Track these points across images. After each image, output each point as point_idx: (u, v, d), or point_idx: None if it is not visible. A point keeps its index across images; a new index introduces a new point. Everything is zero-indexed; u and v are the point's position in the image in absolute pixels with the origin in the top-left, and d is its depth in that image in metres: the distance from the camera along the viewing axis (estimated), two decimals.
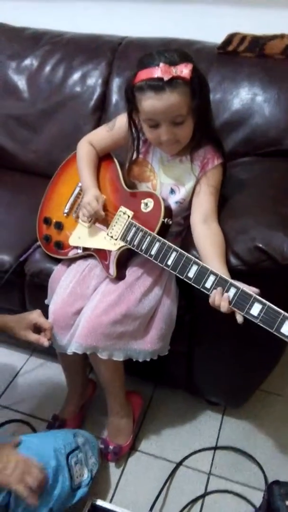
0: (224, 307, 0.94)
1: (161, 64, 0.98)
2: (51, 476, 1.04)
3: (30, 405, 1.47)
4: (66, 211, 1.30)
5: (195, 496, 1.25)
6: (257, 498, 1.24)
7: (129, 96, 1.08)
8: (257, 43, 1.47)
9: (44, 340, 1.13)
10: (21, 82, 1.71)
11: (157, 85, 1.00)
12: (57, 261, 1.32)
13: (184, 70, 0.99)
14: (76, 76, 1.66)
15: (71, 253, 1.27)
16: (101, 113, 1.65)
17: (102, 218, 1.20)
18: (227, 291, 0.95)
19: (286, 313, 0.90)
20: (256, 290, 0.94)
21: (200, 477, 1.30)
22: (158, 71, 0.99)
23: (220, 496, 1.25)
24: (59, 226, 1.30)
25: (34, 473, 0.99)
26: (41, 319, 1.15)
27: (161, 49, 1.04)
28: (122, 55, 1.63)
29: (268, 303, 0.92)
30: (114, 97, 1.62)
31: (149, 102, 1.02)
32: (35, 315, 1.16)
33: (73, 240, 1.26)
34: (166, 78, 0.98)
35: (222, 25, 1.52)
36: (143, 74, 1.01)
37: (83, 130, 1.58)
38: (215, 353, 1.29)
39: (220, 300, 0.95)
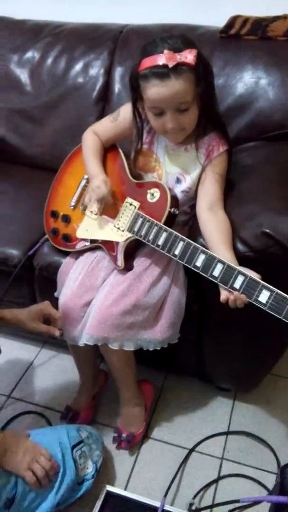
0: (240, 304, 0.96)
1: (166, 51, 0.98)
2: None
3: (43, 396, 1.49)
4: (73, 204, 1.30)
5: (208, 480, 1.27)
6: (270, 481, 1.26)
7: (134, 85, 1.07)
8: (260, 25, 1.45)
9: (55, 330, 1.15)
10: (23, 75, 1.71)
11: (162, 72, 0.99)
12: (65, 254, 1.32)
13: (189, 56, 0.98)
14: (78, 67, 1.66)
15: (79, 246, 1.28)
16: (104, 103, 1.64)
17: (109, 206, 1.20)
18: (235, 279, 0.96)
19: None
20: (258, 275, 0.95)
21: (213, 462, 1.32)
22: (163, 58, 0.98)
23: (234, 480, 1.27)
24: (66, 219, 1.31)
25: (42, 462, 1.03)
26: (50, 309, 1.17)
27: (165, 35, 1.03)
28: (124, 44, 1.61)
29: (276, 290, 0.92)
30: (117, 86, 1.62)
31: (154, 90, 1.02)
32: (44, 306, 1.17)
33: (80, 233, 1.27)
34: (171, 65, 0.98)
35: (223, 8, 1.51)
36: (147, 62, 1.00)
37: (87, 121, 1.58)
38: (225, 340, 1.29)
39: (233, 298, 0.96)
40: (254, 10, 1.47)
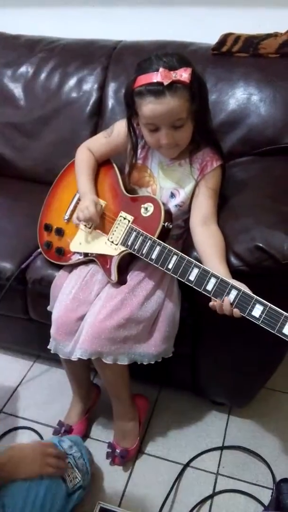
0: (227, 311, 0.95)
1: (161, 69, 0.99)
2: (44, 489, 1.06)
3: (36, 411, 1.48)
4: (66, 217, 1.31)
5: (203, 496, 1.25)
6: (266, 496, 1.25)
7: (129, 101, 1.08)
8: (251, 43, 1.48)
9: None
10: (17, 90, 1.72)
11: (157, 90, 1.00)
12: (59, 267, 1.32)
13: (184, 74, 1.00)
14: (71, 82, 1.67)
15: (72, 259, 1.28)
16: (97, 118, 1.66)
17: (97, 224, 1.21)
18: (228, 293, 0.96)
19: (287, 314, 0.90)
20: (245, 286, 0.96)
21: (208, 477, 1.31)
22: (158, 76, 0.99)
23: (229, 496, 1.26)
24: (60, 232, 1.31)
25: (52, 452, 1.07)
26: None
27: (159, 53, 1.05)
28: (117, 60, 1.63)
29: (269, 304, 0.92)
30: (110, 101, 1.63)
31: (150, 107, 1.03)
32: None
33: (74, 246, 1.27)
34: (166, 82, 0.99)
35: (215, 26, 1.53)
36: (143, 79, 1.02)
37: (81, 135, 1.59)
38: (219, 354, 1.29)
39: (222, 308, 0.96)
40: (246, 28, 1.49)
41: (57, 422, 1.39)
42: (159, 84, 1.00)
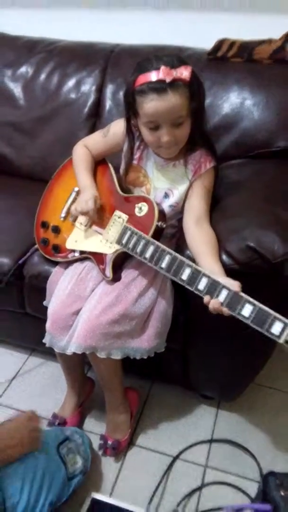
0: (218, 310, 0.99)
1: (163, 67, 1.03)
2: (42, 470, 1.09)
3: (30, 404, 1.51)
4: (63, 215, 1.34)
5: (192, 488, 1.29)
6: (253, 489, 1.29)
7: (130, 100, 1.11)
8: (246, 48, 1.51)
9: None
10: (16, 90, 1.75)
11: (160, 87, 1.04)
12: (55, 263, 1.35)
13: (184, 72, 1.04)
14: (70, 83, 1.71)
15: (69, 256, 1.31)
16: (95, 119, 1.69)
17: (93, 221, 1.24)
18: (219, 293, 0.99)
19: (276, 314, 0.93)
20: (238, 283, 0.98)
21: (196, 469, 1.35)
22: (160, 74, 1.03)
23: (217, 488, 1.30)
24: (56, 230, 1.34)
25: (37, 426, 1.10)
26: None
27: (159, 54, 1.09)
28: (115, 63, 1.67)
29: (259, 304, 0.95)
30: (108, 103, 1.67)
31: (152, 104, 1.06)
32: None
33: (70, 244, 1.30)
34: (168, 80, 1.03)
35: (211, 31, 1.56)
36: (144, 78, 1.05)
37: (78, 136, 1.61)
38: (209, 350, 1.33)
39: (214, 305, 0.99)
40: (241, 34, 1.53)
41: (51, 414, 1.43)
42: (161, 81, 1.03)
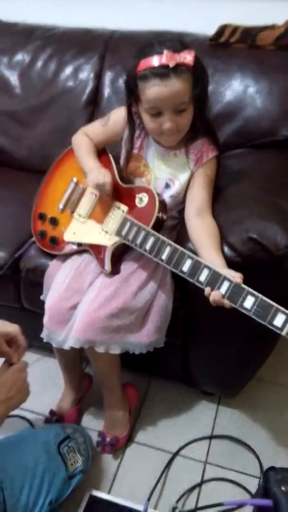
0: (219, 302, 0.96)
1: (165, 51, 0.99)
2: (42, 469, 1.06)
3: (28, 400, 1.48)
4: (61, 206, 1.30)
5: (192, 484, 1.27)
6: (253, 485, 1.27)
7: (131, 86, 1.07)
8: (249, 34, 1.48)
9: (15, 357, 1.09)
10: (13, 78, 1.71)
11: (163, 72, 1.00)
12: (52, 256, 1.32)
13: (188, 57, 1.00)
14: (68, 70, 1.66)
15: (66, 249, 1.28)
16: (93, 107, 1.65)
17: (97, 209, 1.21)
18: (220, 285, 0.96)
19: (278, 306, 0.91)
20: (240, 274, 0.96)
21: (196, 466, 1.32)
22: (163, 58, 0.99)
23: (217, 484, 1.28)
24: (54, 221, 1.31)
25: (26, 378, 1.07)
26: (20, 335, 1.11)
27: (161, 38, 1.05)
28: (114, 49, 1.63)
29: (260, 296, 0.93)
30: (107, 91, 1.63)
31: (155, 89, 1.03)
32: (15, 329, 1.10)
33: (68, 236, 1.27)
34: (171, 64, 0.99)
35: (213, 16, 1.53)
36: (147, 62, 1.01)
37: (76, 124, 1.57)
38: (210, 345, 1.31)
39: (215, 297, 0.96)
40: (244, 19, 1.49)
41: (48, 411, 1.40)
42: (164, 66, 0.99)
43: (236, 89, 1.45)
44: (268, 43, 1.45)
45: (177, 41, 1.03)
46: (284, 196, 1.16)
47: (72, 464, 1.13)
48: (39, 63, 1.70)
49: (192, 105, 1.08)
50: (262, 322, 0.93)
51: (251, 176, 1.28)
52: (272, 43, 1.45)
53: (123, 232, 1.13)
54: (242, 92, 1.44)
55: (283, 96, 1.40)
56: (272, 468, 1.01)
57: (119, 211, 1.17)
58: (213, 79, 1.46)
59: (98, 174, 1.17)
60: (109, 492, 1.25)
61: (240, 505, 1.21)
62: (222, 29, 1.50)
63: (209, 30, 1.52)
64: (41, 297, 1.30)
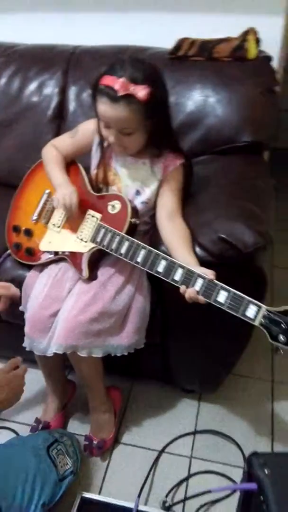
0: (194, 298, 1.01)
1: (121, 79, 1.04)
2: (33, 472, 1.09)
3: (12, 411, 1.47)
4: (35, 217, 1.33)
5: (179, 479, 1.31)
6: (238, 474, 1.32)
7: (93, 93, 1.12)
8: (206, 47, 1.55)
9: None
10: None
11: (114, 96, 1.05)
12: (29, 268, 1.34)
13: (141, 92, 1.04)
14: (32, 86, 1.70)
15: (43, 258, 1.31)
16: (59, 121, 1.69)
17: (71, 218, 1.24)
18: (194, 282, 1.02)
19: (250, 298, 0.98)
20: (212, 271, 1.01)
21: (182, 461, 1.37)
22: (116, 84, 1.04)
23: (203, 477, 1.33)
24: (29, 233, 1.34)
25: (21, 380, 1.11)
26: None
27: (134, 60, 1.10)
28: (76, 64, 1.67)
29: (233, 290, 0.99)
30: (72, 104, 1.67)
31: (103, 107, 1.09)
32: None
33: (44, 246, 1.30)
34: (120, 93, 1.04)
35: (171, 31, 1.59)
36: (106, 80, 1.07)
37: (44, 138, 1.61)
38: (187, 343, 1.36)
39: (190, 294, 1.01)
40: (200, 32, 1.57)
41: (33, 420, 1.41)
42: (117, 91, 1.04)
43: (197, 99, 1.52)
44: (224, 55, 1.53)
45: (143, 72, 1.07)
46: (248, 199, 1.24)
47: (62, 467, 1.15)
48: (3, 80, 1.72)
49: (143, 132, 1.14)
50: (236, 315, 0.99)
51: (217, 181, 1.35)
52: (228, 55, 1.52)
53: (98, 239, 1.18)
54: (203, 102, 1.51)
55: (242, 104, 1.48)
56: (254, 454, 1.06)
57: (93, 218, 1.21)
58: (174, 90, 1.53)
59: (65, 195, 1.21)
60: (99, 493, 1.28)
61: (227, 495, 1.26)
62: (180, 43, 1.57)
63: (168, 44, 1.58)
64: (20, 308, 1.32)
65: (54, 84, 1.69)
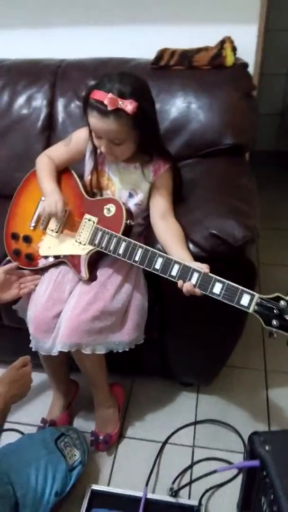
0: (191, 291, 1.08)
1: (110, 95, 1.09)
2: (44, 461, 1.14)
3: (18, 414, 1.53)
4: (32, 224, 1.39)
5: (183, 467, 1.37)
6: (239, 459, 1.39)
7: (84, 106, 1.18)
8: (186, 56, 1.63)
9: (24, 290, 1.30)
10: None
11: (103, 110, 1.11)
12: None
13: (129, 106, 1.10)
14: (21, 100, 1.75)
15: (42, 263, 1.36)
16: (49, 132, 1.74)
17: (63, 222, 1.31)
18: (191, 276, 1.09)
19: (243, 288, 1.04)
20: (207, 265, 1.08)
21: (185, 450, 1.43)
22: (106, 99, 1.09)
23: (206, 464, 1.39)
24: (27, 239, 1.39)
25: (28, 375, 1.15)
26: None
27: (122, 76, 1.15)
28: (64, 76, 1.74)
29: (227, 281, 1.05)
30: (61, 115, 1.73)
31: (94, 120, 1.15)
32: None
33: (43, 251, 1.36)
34: (110, 108, 1.10)
35: (152, 42, 1.66)
36: (95, 94, 1.13)
37: (34, 149, 1.67)
38: (184, 337, 1.42)
39: (187, 288, 1.07)
40: (179, 43, 1.65)
41: (39, 421, 1.46)
42: (106, 105, 1.10)
43: (180, 106, 1.60)
44: (203, 63, 1.61)
45: (131, 87, 1.12)
46: (235, 197, 1.32)
47: (70, 457, 1.21)
48: None
49: (132, 141, 1.21)
50: (231, 304, 1.05)
51: (204, 182, 1.44)
52: (207, 63, 1.61)
53: (96, 241, 1.24)
54: (186, 108, 1.59)
55: (222, 109, 1.56)
56: (255, 433, 1.12)
57: (90, 222, 1.27)
58: (158, 98, 1.60)
59: (50, 203, 1.27)
60: (108, 485, 1.33)
61: (232, 471, 1.33)
62: (161, 53, 1.65)
63: (149, 55, 1.66)
64: (13, 307, 1.37)
65: (42, 97, 1.75)
